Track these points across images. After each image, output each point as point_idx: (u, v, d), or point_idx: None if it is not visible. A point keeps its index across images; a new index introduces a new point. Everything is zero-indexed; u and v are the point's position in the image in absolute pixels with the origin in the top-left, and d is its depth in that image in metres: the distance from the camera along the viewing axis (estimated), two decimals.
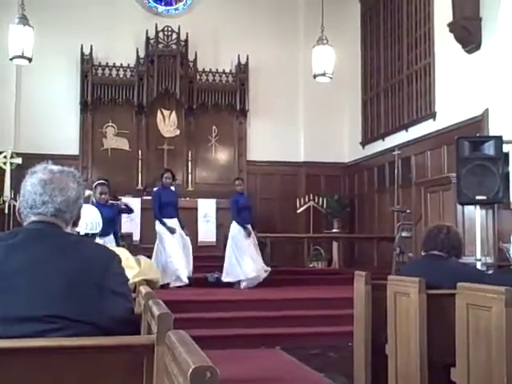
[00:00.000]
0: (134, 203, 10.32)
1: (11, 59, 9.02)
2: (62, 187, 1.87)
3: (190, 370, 1.03)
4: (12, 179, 10.61)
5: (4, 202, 10.59)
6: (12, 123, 11.51)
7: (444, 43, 9.30)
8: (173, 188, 9.10)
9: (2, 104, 10.73)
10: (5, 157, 10.75)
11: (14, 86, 11.68)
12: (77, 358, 1.56)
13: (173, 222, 8.51)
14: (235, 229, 8.81)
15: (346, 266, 10.81)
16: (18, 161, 10.72)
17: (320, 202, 12.32)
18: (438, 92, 9.71)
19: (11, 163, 10.77)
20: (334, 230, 12.17)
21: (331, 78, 9.93)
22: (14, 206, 10.09)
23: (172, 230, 8.38)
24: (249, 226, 8.84)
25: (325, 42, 9.73)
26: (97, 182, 7.38)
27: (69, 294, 1.68)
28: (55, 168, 1.91)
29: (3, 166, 10.65)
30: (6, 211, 10.42)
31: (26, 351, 1.53)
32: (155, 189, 9.28)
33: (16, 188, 10.24)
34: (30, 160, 7.90)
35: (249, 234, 8.76)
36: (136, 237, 9.60)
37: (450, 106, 9.25)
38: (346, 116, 12.96)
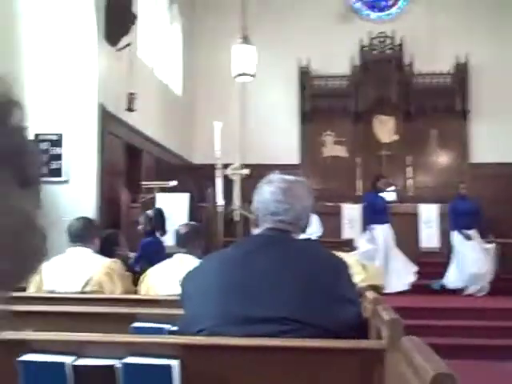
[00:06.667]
0: (353, 210, 10.40)
1: (235, 77, 9.57)
2: (299, 195, 1.97)
3: (430, 377, 1.02)
4: (240, 189, 11.25)
5: (233, 210, 11.27)
6: (237, 136, 12.29)
7: None
8: (383, 194, 9.18)
9: (228, 119, 11.45)
10: (233, 168, 11.44)
11: (238, 101, 12.47)
12: (307, 359, 1.61)
13: (384, 228, 8.67)
14: (453, 235, 8.63)
15: None
16: (246, 171, 11.34)
17: None
18: None
19: (240, 174, 11.42)
20: None
21: None
22: (243, 214, 10.71)
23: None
24: (470, 231, 8.48)
25: None
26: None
27: (303, 298, 1.75)
28: (289, 178, 2.01)
29: (232, 177, 11.33)
30: (236, 219, 11.08)
31: (265, 349, 1.63)
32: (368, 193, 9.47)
33: (244, 197, 10.85)
34: (257, 170, 8.40)
35: (467, 238, 8.42)
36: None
37: None
38: None
